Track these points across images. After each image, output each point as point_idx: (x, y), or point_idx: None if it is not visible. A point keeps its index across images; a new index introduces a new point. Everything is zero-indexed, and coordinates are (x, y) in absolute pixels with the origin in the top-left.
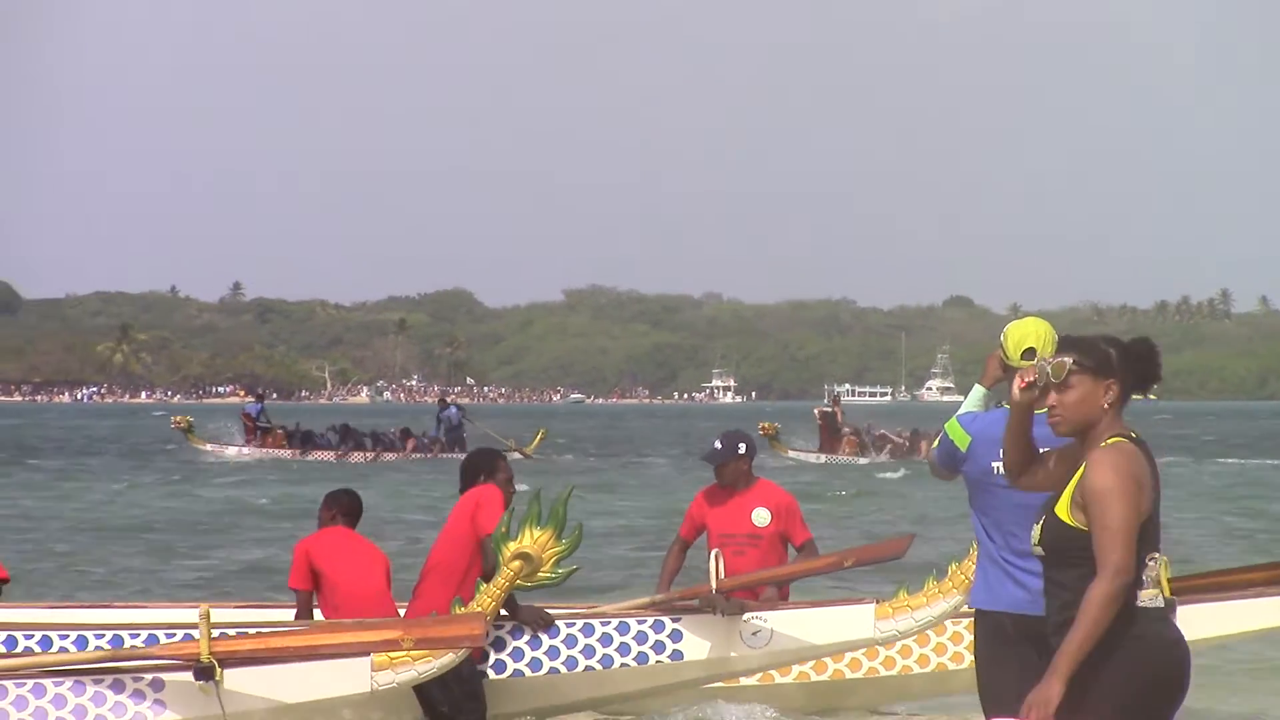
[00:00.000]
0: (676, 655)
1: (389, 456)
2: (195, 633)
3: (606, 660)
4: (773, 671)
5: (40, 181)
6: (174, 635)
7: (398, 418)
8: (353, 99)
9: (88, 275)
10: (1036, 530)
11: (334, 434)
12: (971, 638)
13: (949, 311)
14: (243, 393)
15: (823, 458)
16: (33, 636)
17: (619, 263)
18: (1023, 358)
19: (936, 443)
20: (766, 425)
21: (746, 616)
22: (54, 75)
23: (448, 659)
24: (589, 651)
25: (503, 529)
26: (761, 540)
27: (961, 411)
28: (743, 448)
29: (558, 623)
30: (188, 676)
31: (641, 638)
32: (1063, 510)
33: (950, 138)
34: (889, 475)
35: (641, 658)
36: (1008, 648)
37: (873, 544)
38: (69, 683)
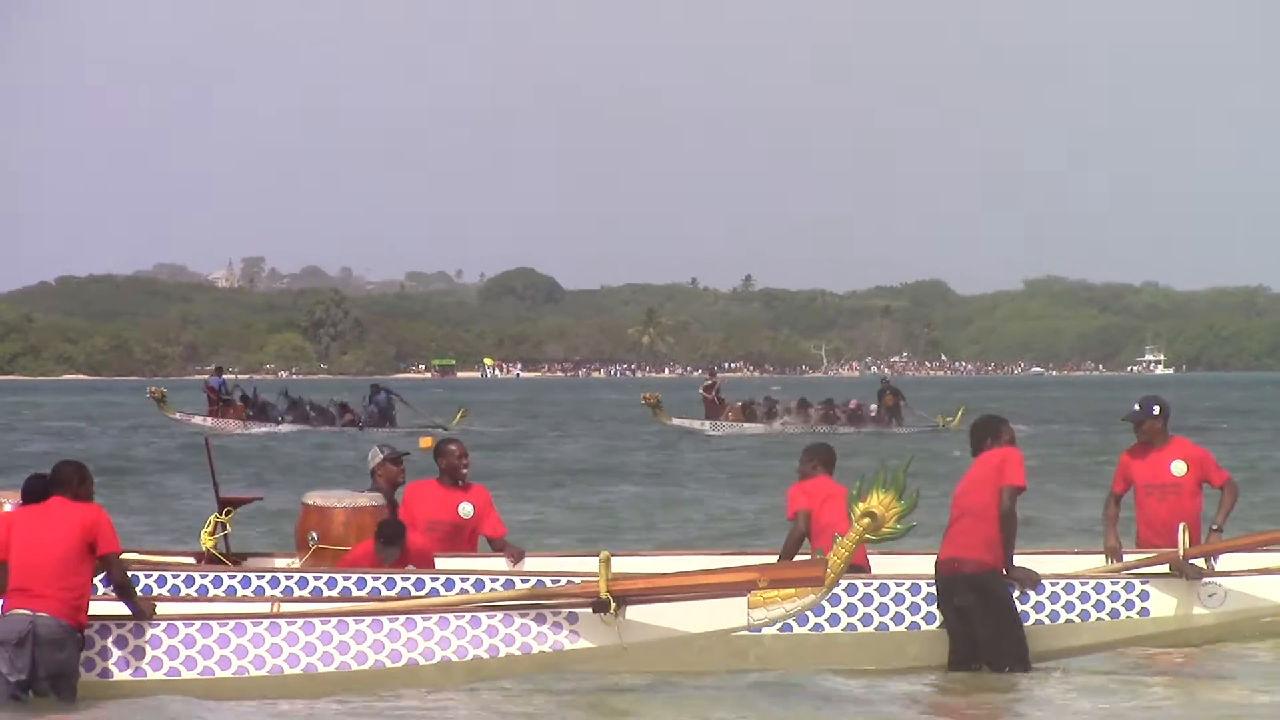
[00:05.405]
0: (1144, 613)
1: (329, 428)
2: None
3: (1084, 615)
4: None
5: (565, 184)
6: (558, 581)
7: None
8: (876, 108)
9: (619, 269)
10: None
11: (284, 405)
12: None
13: None
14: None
15: (707, 424)
16: (467, 580)
17: (1072, 254)
18: None
19: None
20: (648, 395)
21: (1204, 580)
22: (573, 86)
23: (809, 599)
24: (1070, 607)
25: (854, 491)
26: (1181, 488)
27: None
28: (1156, 409)
29: (1044, 581)
30: (593, 612)
31: (1115, 596)
32: None
33: None
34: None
35: (1114, 614)
36: None
37: None
38: (500, 615)
